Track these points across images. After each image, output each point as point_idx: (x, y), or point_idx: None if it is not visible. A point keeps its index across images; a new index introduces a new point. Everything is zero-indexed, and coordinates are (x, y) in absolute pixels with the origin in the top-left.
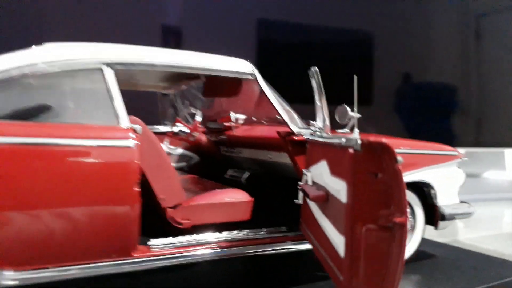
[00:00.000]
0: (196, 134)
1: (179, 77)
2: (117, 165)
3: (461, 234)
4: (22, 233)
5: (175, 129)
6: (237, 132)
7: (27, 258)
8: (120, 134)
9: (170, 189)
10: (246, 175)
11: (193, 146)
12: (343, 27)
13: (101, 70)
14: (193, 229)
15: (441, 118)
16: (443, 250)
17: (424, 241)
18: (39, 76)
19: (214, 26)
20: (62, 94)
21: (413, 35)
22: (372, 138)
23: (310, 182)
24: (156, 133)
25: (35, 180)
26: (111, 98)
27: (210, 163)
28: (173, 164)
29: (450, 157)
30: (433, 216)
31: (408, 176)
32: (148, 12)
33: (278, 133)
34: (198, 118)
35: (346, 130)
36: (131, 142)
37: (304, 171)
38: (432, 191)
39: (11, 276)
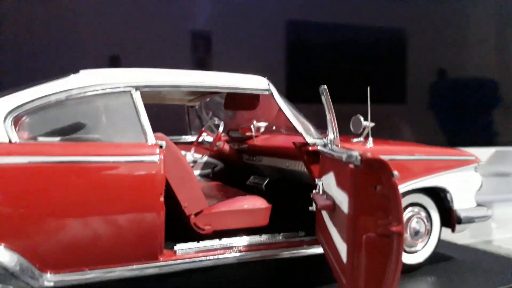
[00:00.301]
0: (219, 143)
1: (202, 91)
2: (144, 178)
3: (490, 235)
4: (61, 240)
5: (200, 138)
6: (257, 141)
7: (65, 262)
8: (146, 150)
9: (193, 197)
10: (266, 182)
11: (218, 154)
12: (374, 25)
13: (130, 93)
14: (215, 235)
15: (478, 116)
16: (463, 252)
17: (445, 243)
18: (75, 100)
19: (243, 30)
20: (96, 115)
21: (448, 28)
22: (371, 154)
23: (321, 191)
24: (184, 143)
25: (72, 193)
26: (139, 117)
27: (234, 170)
28: (199, 171)
29: (466, 162)
30: (450, 220)
31: (423, 182)
32: (177, 18)
33: (294, 143)
34: (221, 128)
35: (361, 139)
36: (156, 158)
37: (316, 180)
38: (448, 196)
39: (49, 278)
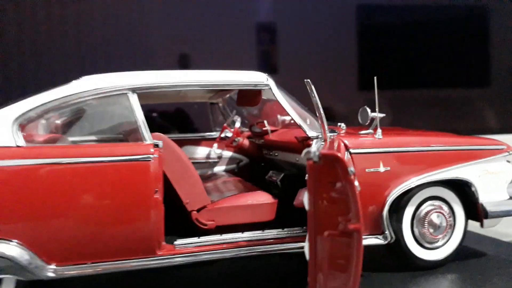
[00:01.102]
0: (238, 139)
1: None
2: (138, 176)
3: None
4: (64, 236)
5: (223, 134)
6: (274, 136)
7: (68, 255)
8: (140, 149)
9: (194, 194)
10: (281, 176)
11: (242, 149)
12: (451, 3)
13: (126, 95)
14: (219, 230)
15: None
16: (499, 249)
17: (480, 238)
18: (76, 104)
19: (311, 19)
20: (95, 118)
21: None
22: (327, 150)
23: None
24: (208, 139)
25: (73, 192)
26: (136, 118)
27: (257, 165)
28: (224, 167)
29: (494, 152)
30: (477, 214)
31: (441, 174)
32: (242, 9)
33: (296, 138)
34: (237, 124)
35: (370, 130)
36: (149, 156)
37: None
38: (472, 188)
39: (54, 269)
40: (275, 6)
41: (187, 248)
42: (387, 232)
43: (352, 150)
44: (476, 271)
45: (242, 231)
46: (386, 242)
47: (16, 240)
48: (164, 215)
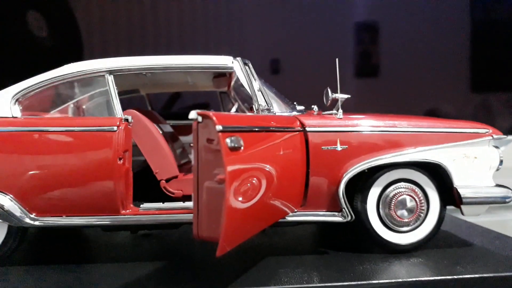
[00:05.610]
0: None
1: (219, 77)
2: (104, 144)
3: None
4: (43, 191)
5: None
6: None
7: (47, 208)
8: (108, 122)
9: (163, 165)
10: None
11: None
12: None
13: (104, 76)
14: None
15: None
16: (485, 238)
17: (474, 227)
18: (63, 84)
19: (418, 12)
20: (78, 95)
21: None
22: (207, 112)
23: None
24: None
25: (53, 155)
26: (111, 96)
27: None
28: None
29: (473, 135)
30: (453, 199)
31: (405, 156)
32: (339, 9)
33: (251, 109)
34: (233, 110)
35: (334, 111)
36: (114, 128)
37: None
38: (446, 172)
39: (33, 218)
40: (376, 2)
41: (150, 211)
42: (344, 210)
43: (308, 129)
44: (445, 258)
45: None
46: (345, 220)
47: (9, 193)
48: (131, 181)
